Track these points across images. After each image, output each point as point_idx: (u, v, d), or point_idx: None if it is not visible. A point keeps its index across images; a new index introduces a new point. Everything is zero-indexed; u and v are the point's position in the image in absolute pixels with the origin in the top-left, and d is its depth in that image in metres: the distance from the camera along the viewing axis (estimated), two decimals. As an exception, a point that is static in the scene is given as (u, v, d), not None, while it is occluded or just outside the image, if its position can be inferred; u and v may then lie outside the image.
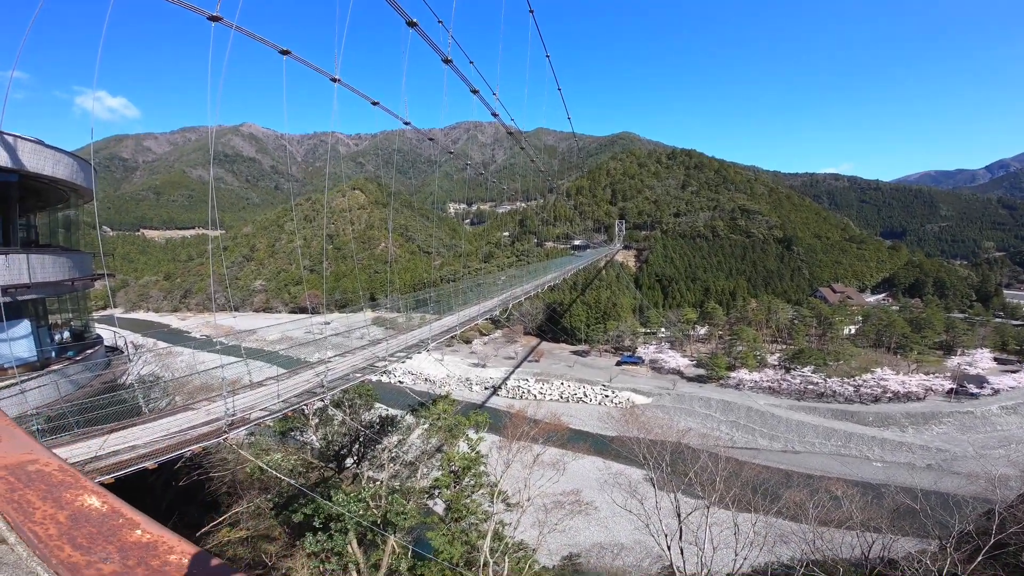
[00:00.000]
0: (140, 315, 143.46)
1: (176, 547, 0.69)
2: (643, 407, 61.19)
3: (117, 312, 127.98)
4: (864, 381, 60.60)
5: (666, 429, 38.23)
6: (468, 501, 19.28)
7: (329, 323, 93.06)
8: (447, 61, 15.73)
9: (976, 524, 16.40)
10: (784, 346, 76.60)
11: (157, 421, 14.49)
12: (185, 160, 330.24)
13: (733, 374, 67.43)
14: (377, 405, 25.28)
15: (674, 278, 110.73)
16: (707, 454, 24.19)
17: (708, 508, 19.61)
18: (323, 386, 16.83)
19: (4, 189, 15.37)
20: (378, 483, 19.60)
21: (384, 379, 66.59)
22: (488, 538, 17.78)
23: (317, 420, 22.05)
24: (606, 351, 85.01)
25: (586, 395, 66.57)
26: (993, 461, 40.24)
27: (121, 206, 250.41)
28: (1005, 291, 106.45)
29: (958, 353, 71.07)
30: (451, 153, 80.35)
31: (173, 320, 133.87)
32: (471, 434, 22.70)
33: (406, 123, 19.48)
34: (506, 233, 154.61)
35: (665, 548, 19.58)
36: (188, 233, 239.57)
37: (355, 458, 21.92)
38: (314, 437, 21.96)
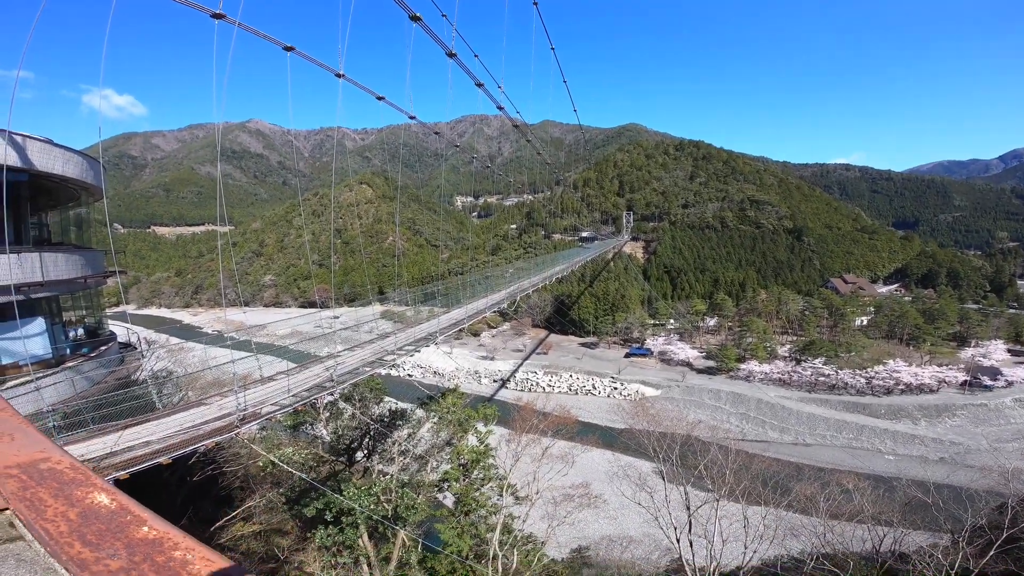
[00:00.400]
0: (152, 311, 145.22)
1: (181, 543, 0.71)
2: (652, 399, 61.11)
3: (130, 308, 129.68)
4: (876, 373, 60.02)
5: (676, 421, 38.14)
6: (477, 494, 19.39)
7: (338, 317, 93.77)
8: (451, 55, 15.62)
9: (989, 518, 16.22)
10: (795, 337, 76.01)
11: (170, 417, 14.68)
12: (193, 157, 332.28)
13: (743, 366, 67.05)
14: (387, 399, 25.45)
15: (683, 269, 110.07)
16: (717, 447, 24.10)
17: (717, 501, 19.56)
18: (332, 380, 16.96)
19: (14, 188, 15.53)
20: (388, 477, 19.76)
21: (393, 372, 67.06)
22: (497, 531, 17.89)
23: (328, 414, 22.22)
24: (615, 343, 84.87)
25: (595, 387, 66.56)
26: (1007, 454, 39.74)
27: (132, 203, 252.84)
28: (1019, 282, 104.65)
29: (972, 344, 70.13)
30: (457, 147, 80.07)
31: (185, 316, 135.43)
32: (480, 427, 22.74)
33: (411, 117, 19.43)
34: (513, 226, 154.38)
35: (674, 541, 19.59)
36: (198, 229, 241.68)
37: (365, 452, 22.10)
38: (324, 431, 22.14)
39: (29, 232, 17.11)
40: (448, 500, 22.12)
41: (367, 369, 19.32)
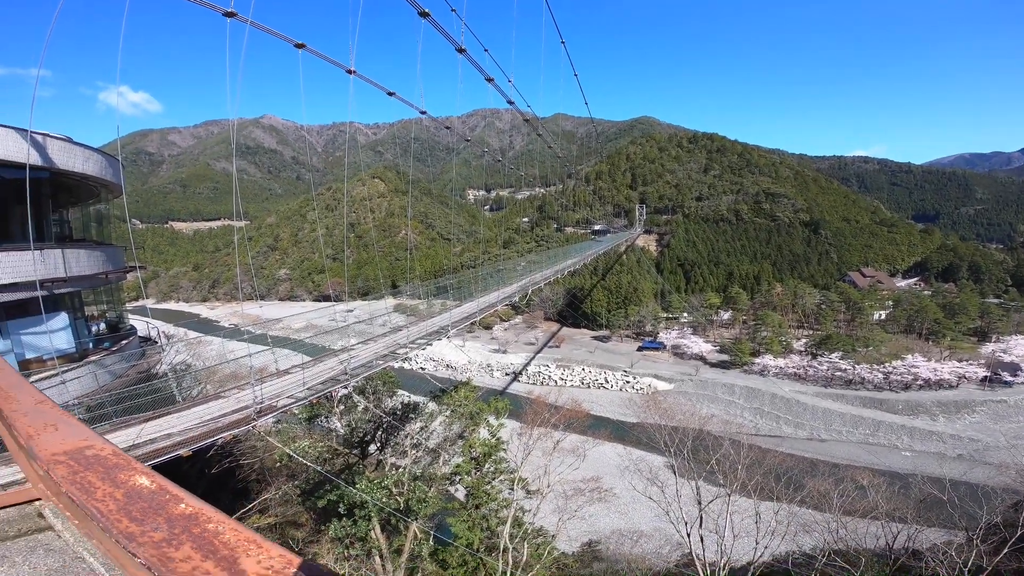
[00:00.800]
0: (171, 305, 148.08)
1: (213, 517, 0.83)
2: (665, 393, 60.87)
3: (149, 303, 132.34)
4: (894, 368, 59.02)
5: (688, 416, 37.99)
6: (488, 487, 19.57)
7: (352, 311, 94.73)
8: (461, 51, 15.60)
9: (1004, 516, 15.96)
10: (811, 332, 74.98)
11: (190, 409, 15.03)
12: (209, 153, 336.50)
13: (757, 360, 66.38)
14: (400, 392, 25.71)
15: (696, 262, 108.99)
16: (729, 441, 24.00)
17: (729, 496, 19.51)
18: (346, 373, 17.21)
19: (36, 186, 15.94)
20: (400, 470, 20.03)
21: (406, 366, 67.62)
22: (508, 524, 18.06)
23: (342, 407, 22.54)
24: (627, 336, 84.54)
25: (607, 381, 66.45)
26: (1027, 451, 38.95)
27: (149, 199, 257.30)
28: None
29: (992, 340, 68.51)
30: (467, 141, 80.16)
31: (203, 310, 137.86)
32: (492, 420, 22.89)
33: (422, 112, 19.49)
34: (525, 219, 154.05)
35: (685, 535, 19.59)
36: (214, 224, 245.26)
37: (378, 445, 22.39)
38: (339, 424, 22.47)
39: (51, 229, 17.57)
40: (460, 493, 22.35)
41: (380, 362, 19.56)
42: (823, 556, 16.61)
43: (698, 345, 74.23)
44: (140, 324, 24.56)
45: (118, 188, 19.97)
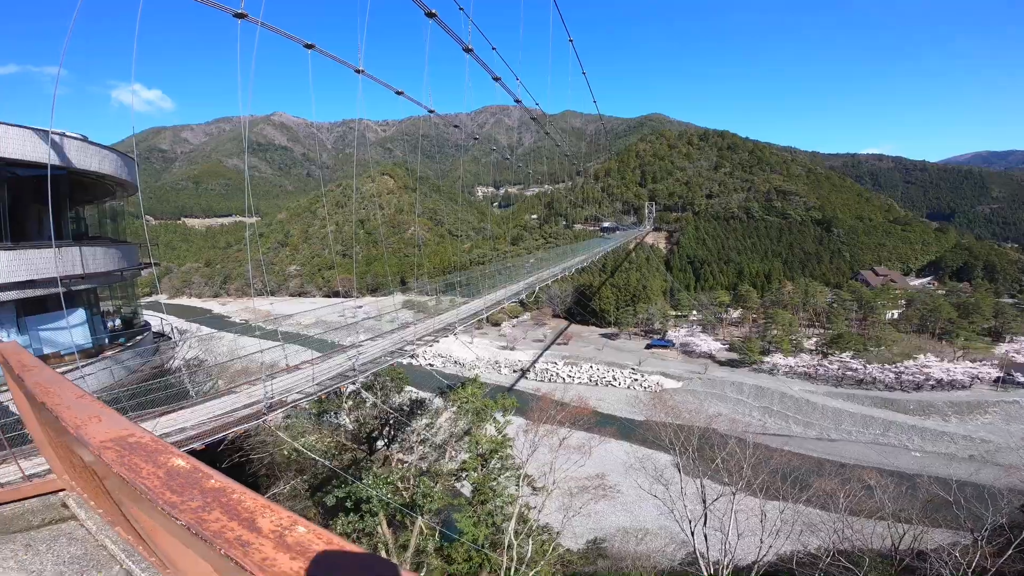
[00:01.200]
0: (184, 301, 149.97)
1: (237, 490, 1.06)
2: (673, 391, 60.68)
3: (162, 298, 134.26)
4: (906, 368, 58.41)
5: (695, 414, 37.94)
6: (494, 484, 19.75)
7: (361, 307, 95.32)
8: (468, 50, 15.72)
9: (1010, 517, 15.84)
10: (822, 330, 74.32)
11: (203, 404, 15.35)
12: (221, 150, 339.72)
13: (767, 359, 66.00)
14: (408, 388, 25.96)
15: (706, 260, 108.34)
16: (735, 440, 23.98)
17: (734, 495, 19.52)
18: (355, 369, 17.48)
19: (53, 185, 16.32)
20: (407, 465, 20.28)
21: (415, 362, 68.06)
22: (513, 521, 18.24)
23: (350, 403, 22.84)
24: (636, 334, 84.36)
25: (615, 379, 66.40)
26: (1040, 453, 38.43)
27: (163, 196, 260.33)
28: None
29: (1006, 340, 67.45)
30: (476, 139, 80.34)
31: (215, 305, 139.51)
32: (498, 417, 23.06)
33: (430, 111, 19.64)
34: (534, 216, 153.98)
35: (689, 533, 19.65)
36: (226, 221, 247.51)
37: (386, 440, 22.68)
38: (347, 419, 22.78)
39: (68, 226, 17.98)
40: (467, 489, 22.57)
41: (387, 359, 19.82)
42: (827, 556, 16.60)
43: (707, 343, 73.90)
44: (154, 320, 25.02)
45: (133, 186, 20.37)
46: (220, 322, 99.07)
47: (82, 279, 16.45)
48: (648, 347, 77.79)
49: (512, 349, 79.71)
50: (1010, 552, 13.68)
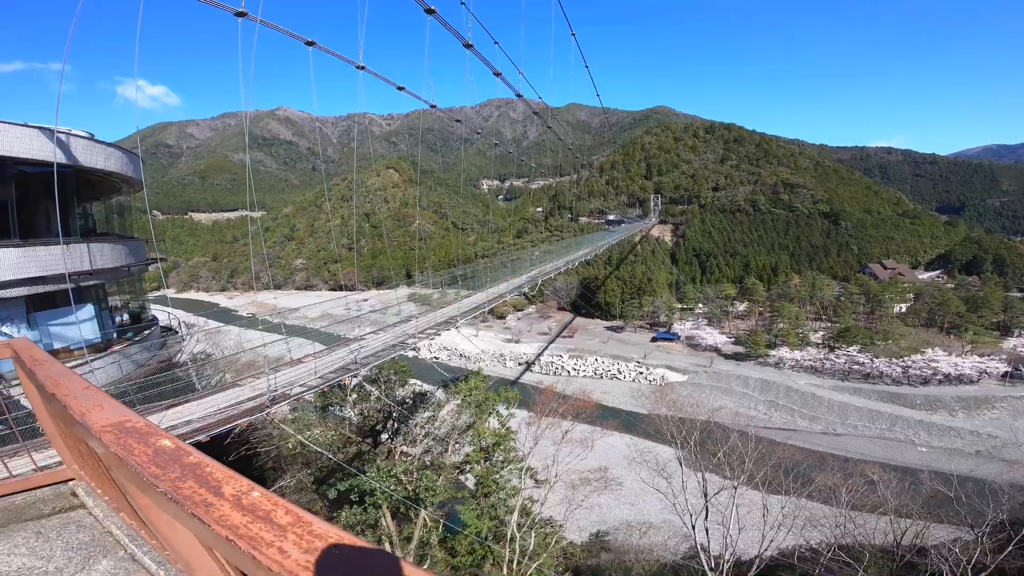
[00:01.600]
0: (191, 295, 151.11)
1: (211, 464, 1.26)
2: (678, 385, 60.70)
3: (170, 292, 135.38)
4: (913, 362, 58.07)
5: (700, 407, 37.97)
6: (497, 476, 19.92)
7: (367, 300, 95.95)
8: (468, 46, 15.69)
9: (1011, 513, 15.81)
10: (829, 324, 73.94)
11: (209, 397, 15.60)
12: (226, 145, 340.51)
13: (773, 352, 65.77)
14: (412, 381, 26.14)
15: (712, 253, 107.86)
16: (737, 433, 24.00)
17: (735, 488, 19.58)
18: (356, 363, 17.67)
19: (61, 182, 16.51)
20: (410, 458, 20.49)
21: (420, 355, 68.43)
22: (515, 513, 18.42)
23: (355, 396, 23.05)
24: (641, 327, 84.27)
25: (620, 372, 66.45)
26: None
27: (169, 191, 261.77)
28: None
29: (1015, 334, 66.84)
30: (478, 134, 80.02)
31: (222, 299, 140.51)
32: (501, 410, 23.19)
33: (432, 106, 19.66)
34: (539, 209, 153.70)
35: (690, 527, 19.77)
36: (232, 215, 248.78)
37: (389, 433, 22.90)
38: (352, 412, 23.01)
39: (76, 223, 18.20)
40: (470, 482, 22.78)
41: (389, 352, 20.01)
42: (828, 551, 16.66)
43: (713, 336, 73.74)
44: (161, 314, 25.32)
45: (138, 183, 20.55)
46: (227, 316, 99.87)
47: (90, 275, 16.67)
48: (653, 340, 77.69)
49: (517, 342, 79.88)
50: (1010, 548, 13.69)
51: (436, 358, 75.19)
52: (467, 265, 52.88)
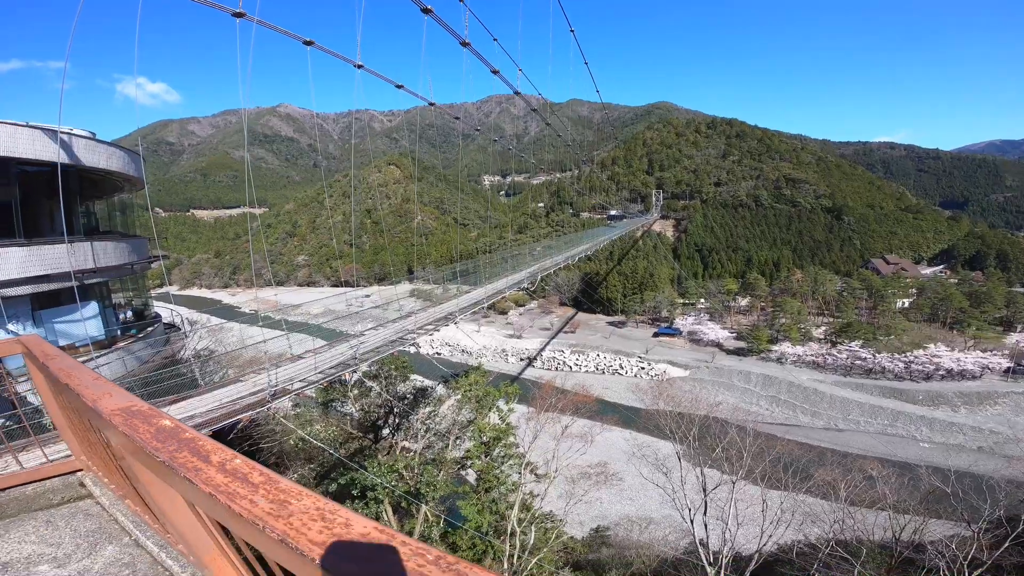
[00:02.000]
0: (194, 292, 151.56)
1: (202, 439, 1.48)
2: (680, 380, 60.79)
3: (172, 289, 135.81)
4: (916, 357, 58.00)
5: (701, 403, 38.01)
6: (498, 471, 20.06)
7: (368, 296, 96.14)
8: (465, 44, 15.71)
9: (1008, 509, 15.87)
10: (831, 319, 73.87)
11: (211, 393, 15.76)
12: (228, 142, 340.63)
13: (775, 347, 65.78)
14: (413, 376, 26.29)
15: (714, 248, 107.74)
16: (737, 428, 24.09)
17: (734, 483, 19.69)
18: (355, 358, 17.83)
19: (64, 181, 16.64)
20: (411, 454, 20.66)
21: (421, 351, 68.62)
22: (516, 508, 18.57)
23: (356, 391, 23.22)
24: (643, 322, 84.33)
25: (621, 367, 66.54)
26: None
27: (171, 188, 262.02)
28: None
29: (1018, 329, 66.64)
30: (478, 131, 79.53)
31: (224, 296, 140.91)
32: (501, 405, 23.28)
33: (431, 103, 19.70)
34: (540, 204, 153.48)
35: (689, 522, 19.90)
36: (234, 212, 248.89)
37: (390, 429, 23.07)
38: (353, 408, 23.18)
39: (79, 222, 18.34)
40: (471, 476, 22.95)
41: (388, 348, 20.16)
42: (827, 546, 16.76)
43: (715, 332, 73.74)
44: (164, 311, 25.50)
45: (140, 182, 20.69)
46: (229, 312, 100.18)
47: (94, 273, 16.83)
48: (655, 335, 77.75)
49: (519, 337, 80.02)
50: (1007, 544, 13.76)
51: (438, 353, 75.40)
52: (469, 260, 53.00)
